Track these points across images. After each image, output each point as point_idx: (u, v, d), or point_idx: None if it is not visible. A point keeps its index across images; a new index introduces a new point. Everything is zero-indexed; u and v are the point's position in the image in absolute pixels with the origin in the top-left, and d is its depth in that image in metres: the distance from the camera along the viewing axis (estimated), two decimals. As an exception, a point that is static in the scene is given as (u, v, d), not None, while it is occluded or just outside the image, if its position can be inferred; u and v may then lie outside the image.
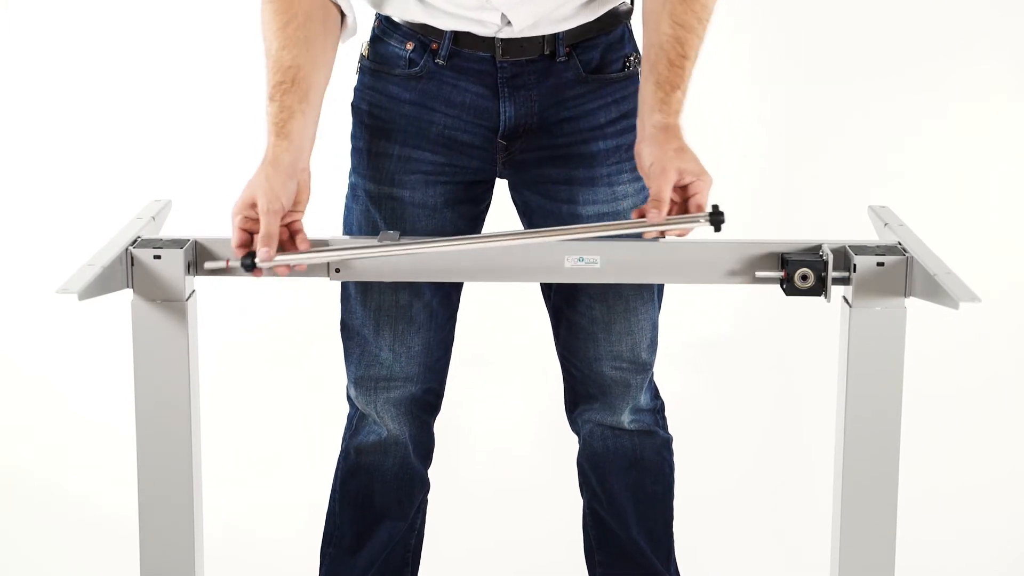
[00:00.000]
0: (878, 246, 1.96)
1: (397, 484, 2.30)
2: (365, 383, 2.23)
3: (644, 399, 2.29)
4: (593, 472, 2.33)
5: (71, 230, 3.48)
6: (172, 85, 3.60)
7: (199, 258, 1.99)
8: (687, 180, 1.93)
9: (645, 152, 1.96)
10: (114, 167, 3.58)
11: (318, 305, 3.53)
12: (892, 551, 1.99)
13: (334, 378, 3.51)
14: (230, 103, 3.59)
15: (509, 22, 2.06)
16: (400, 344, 2.19)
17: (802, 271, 1.96)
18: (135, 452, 1.99)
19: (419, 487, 2.34)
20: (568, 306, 2.22)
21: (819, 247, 1.98)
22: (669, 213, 1.92)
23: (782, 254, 1.98)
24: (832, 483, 2.03)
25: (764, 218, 3.50)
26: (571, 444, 2.42)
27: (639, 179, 2.10)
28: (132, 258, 1.94)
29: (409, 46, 2.11)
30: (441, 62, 2.09)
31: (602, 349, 2.22)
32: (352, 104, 2.20)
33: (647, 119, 1.97)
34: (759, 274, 1.99)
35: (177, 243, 1.96)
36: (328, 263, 1.95)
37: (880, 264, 1.92)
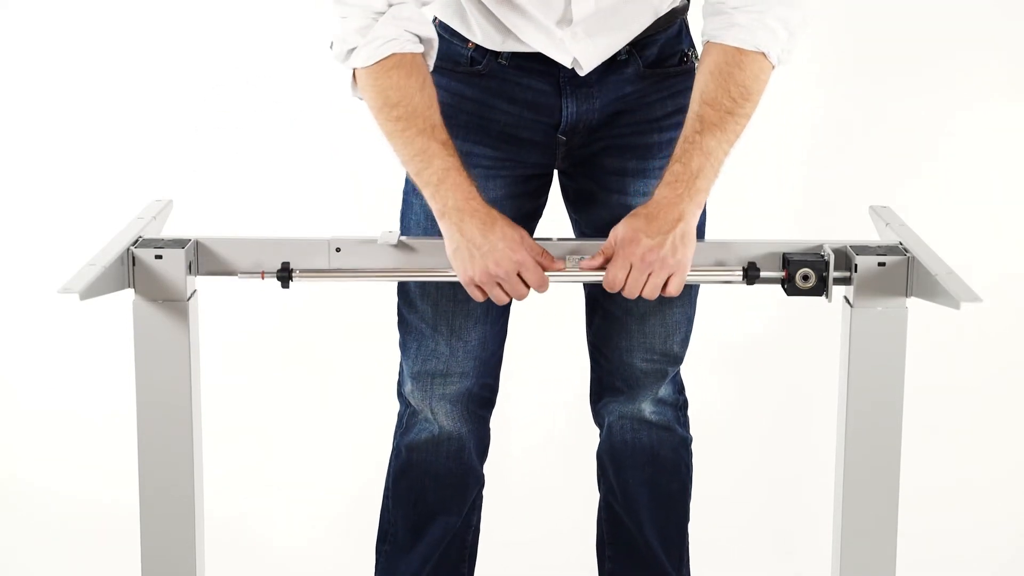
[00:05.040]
0: (879, 246, 1.96)
1: (451, 480, 2.30)
2: (422, 378, 2.23)
3: (666, 391, 2.30)
4: (611, 464, 2.34)
5: (71, 230, 3.47)
6: (173, 85, 3.59)
7: (200, 258, 2.00)
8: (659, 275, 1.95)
9: (632, 215, 1.96)
10: (114, 167, 3.57)
11: (319, 305, 3.53)
12: (893, 550, 1.99)
13: (334, 378, 3.53)
14: (231, 103, 3.58)
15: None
16: (456, 338, 2.20)
17: (803, 271, 1.96)
18: (136, 452, 1.99)
19: (474, 483, 2.33)
20: (605, 296, 2.21)
21: (820, 247, 1.99)
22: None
23: (783, 254, 1.98)
24: (833, 482, 2.04)
25: (765, 218, 3.50)
26: (586, 439, 2.41)
27: None
28: (133, 258, 1.94)
29: (471, 45, 2.12)
30: (504, 62, 2.11)
31: (635, 341, 2.23)
32: None
33: (656, 189, 1.98)
34: (760, 274, 1.99)
35: (178, 243, 1.96)
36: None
37: (881, 264, 1.92)
